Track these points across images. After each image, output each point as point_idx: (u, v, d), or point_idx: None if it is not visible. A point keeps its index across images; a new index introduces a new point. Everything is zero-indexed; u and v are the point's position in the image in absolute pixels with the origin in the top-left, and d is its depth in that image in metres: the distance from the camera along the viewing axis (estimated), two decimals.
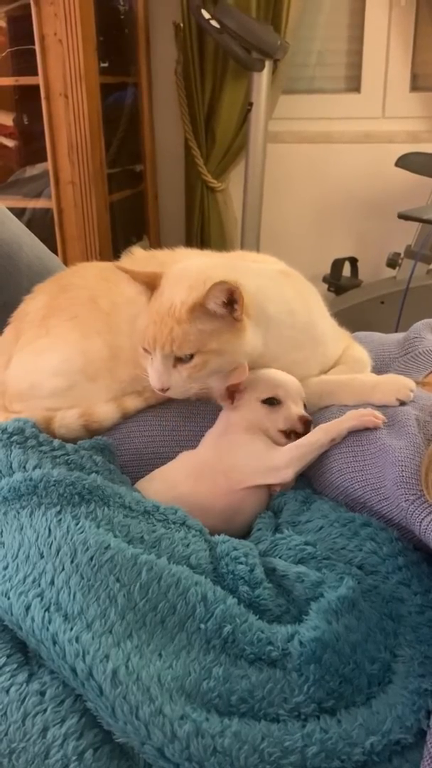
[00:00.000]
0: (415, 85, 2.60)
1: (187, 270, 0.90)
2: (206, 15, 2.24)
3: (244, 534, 0.87)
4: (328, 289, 2.55)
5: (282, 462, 0.88)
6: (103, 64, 2.29)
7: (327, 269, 2.56)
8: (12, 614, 0.66)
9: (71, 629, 0.64)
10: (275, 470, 0.89)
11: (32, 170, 2.44)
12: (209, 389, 0.92)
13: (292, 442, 0.90)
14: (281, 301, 0.93)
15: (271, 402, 0.92)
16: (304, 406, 0.94)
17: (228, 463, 0.90)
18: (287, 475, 0.88)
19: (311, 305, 1.00)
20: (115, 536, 0.74)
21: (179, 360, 0.86)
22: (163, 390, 0.88)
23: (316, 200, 2.74)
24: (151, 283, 0.90)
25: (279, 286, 0.95)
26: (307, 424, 0.91)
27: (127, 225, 2.70)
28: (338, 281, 2.55)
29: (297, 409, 0.92)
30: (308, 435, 0.89)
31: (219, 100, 2.51)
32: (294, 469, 0.88)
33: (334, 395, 0.96)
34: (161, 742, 0.58)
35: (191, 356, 0.85)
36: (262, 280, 0.94)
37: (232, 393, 0.93)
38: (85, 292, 1.04)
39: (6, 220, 1.30)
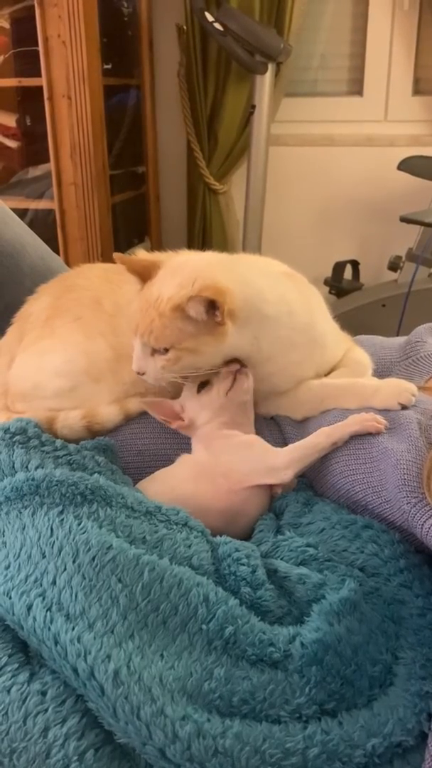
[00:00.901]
0: (418, 89, 2.60)
1: (184, 265, 0.91)
2: (209, 17, 2.25)
3: (246, 536, 0.87)
4: (330, 292, 2.56)
5: (282, 463, 0.88)
6: (106, 66, 2.30)
7: (328, 272, 2.56)
8: (14, 614, 0.66)
9: (73, 629, 0.64)
10: (275, 471, 0.89)
11: (35, 171, 2.45)
12: (186, 380, 0.94)
13: (293, 444, 0.90)
14: (280, 301, 0.93)
15: (202, 387, 0.95)
16: None
17: (226, 465, 0.90)
18: (287, 475, 0.88)
19: (313, 307, 0.99)
20: (118, 536, 0.74)
21: (155, 350, 0.88)
22: (140, 374, 0.91)
23: (317, 203, 2.74)
24: (145, 274, 0.91)
25: (279, 286, 0.95)
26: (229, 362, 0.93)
27: (129, 227, 2.70)
28: (339, 284, 2.55)
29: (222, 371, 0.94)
30: (310, 437, 0.90)
31: (221, 103, 2.51)
32: (294, 470, 0.88)
33: (336, 399, 0.96)
34: (162, 743, 0.57)
35: (167, 349, 0.87)
36: (261, 280, 0.94)
37: (177, 415, 0.95)
38: (89, 293, 1.04)
39: (9, 221, 1.30)
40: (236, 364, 0.94)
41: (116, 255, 0.92)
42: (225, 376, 0.94)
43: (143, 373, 0.91)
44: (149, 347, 0.88)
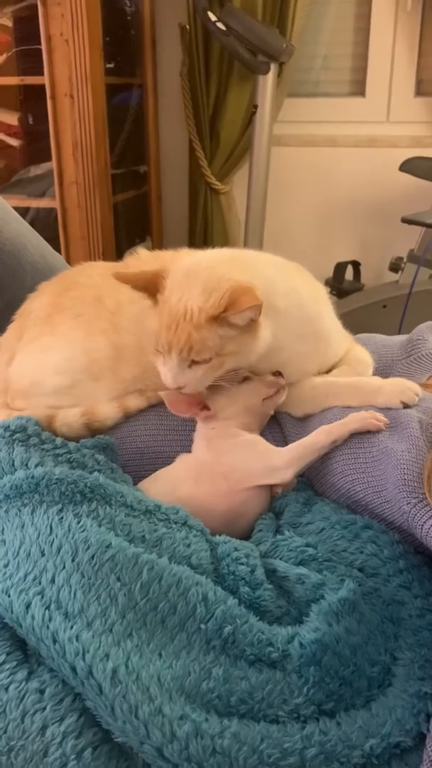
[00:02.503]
0: (420, 90, 2.60)
1: (196, 268, 0.87)
2: (212, 17, 2.25)
3: (246, 536, 0.87)
4: (331, 293, 2.53)
5: (282, 462, 0.88)
6: (108, 65, 2.30)
7: (330, 273, 2.56)
8: (12, 612, 0.66)
9: (71, 628, 0.64)
10: (275, 470, 0.88)
11: (36, 170, 2.44)
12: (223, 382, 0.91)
13: (293, 443, 0.90)
14: (291, 292, 0.92)
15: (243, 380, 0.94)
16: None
17: (227, 464, 0.90)
18: (287, 475, 0.88)
19: (320, 301, 1.00)
20: (117, 535, 0.74)
21: (195, 361, 0.85)
22: (179, 388, 0.87)
23: (319, 204, 2.74)
24: (150, 287, 0.87)
25: (289, 279, 0.95)
26: (277, 373, 0.94)
27: (130, 226, 2.70)
28: (341, 285, 2.55)
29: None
30: (309, 436, 0.89)
31: (224, 103, 2.51)
32: (294, 470, 0.88)
33: (339, 396, 0.96)
34: (160, 742, 0.57)
35: (209, 359, 0.85)
36: (274, 272, 0.93)
37: (201, 403, 0.94)
38: (90, 291, 1.04)
39: (10, 219, 1.30)
40: (282, 377, 0.95)
41: (115, 274, 0.88)
42: (270, 385, 0.94)
43: (182, 387, 0.87)
44: (187, 361, 0.85)
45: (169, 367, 0.85)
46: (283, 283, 0.93)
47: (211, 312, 0.82)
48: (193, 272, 0.86)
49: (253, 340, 0.86)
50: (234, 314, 0.82)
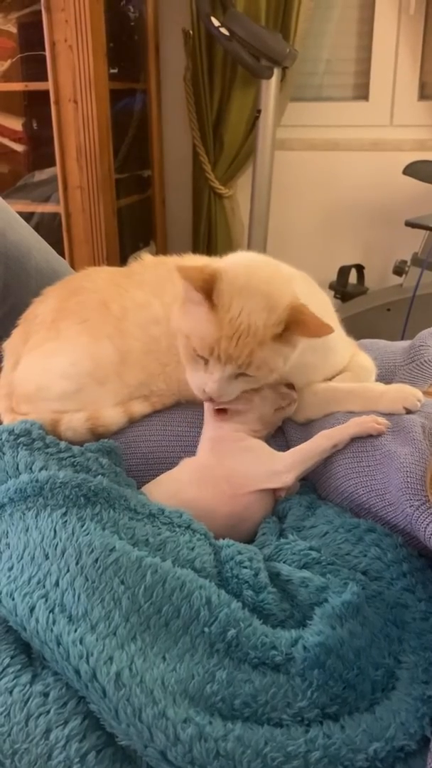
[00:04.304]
0: (424, 94, 2.60)
1: (252, 280, 0.86)
2: (215, 22, 2.25)
3: (250, 539, 0.87)
4: (335, 296, 2.56)
5: (283, 466, 0.89)
6: (112, 70, 2.31)
7: (333, 276, 2.56)
8: (16, 615, 0.66)
9: (75, 631, 0.64)
10: (276, 474, 0.89)
11: (41, 175, 2.45)
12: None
13: (294, 447, 0.90)
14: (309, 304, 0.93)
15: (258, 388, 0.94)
16: None
17: (229, 468, 0.90)
18: (288, 479, 0.88)
19: (327, 310, 1.00)
20: (120, 538, 0.74)
21: (242, 374, 0.86)
22: (218, 398, 0.87)
23: (323, 207, 2.74)
24: (207, 288, 0.84)
25: (304, 290, 0.95)
26: (289, 385, 0.96)
27: (134, 230, 2.71)
28: (344, 288, 2.55)
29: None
30: (310, 440, 0.90)
31: (227, 107, 2.52)
32: (295, 474, 0.89)
33: (341, 402, 0.96)
34: (164, 745, 0.57)
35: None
36: (298, 285, 0.94)
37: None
38: (96, 296, 1.04)
39: (15, 224, 1.30)
40: (294, 390, 0.96)
41: (179, 267, 0.85)
42: (283, 396, 0.95)
43: (218, 397, 0.87)
44: (236, 373, 0.85)
45: (216, 377, 0.85)
46: (303, 297, 0.93)
47: (277, 330, 0.83)
48: (250, 284, 0.85)
49: (293, 353, 0.88)
50: (300, 333, 0.84)
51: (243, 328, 0.83)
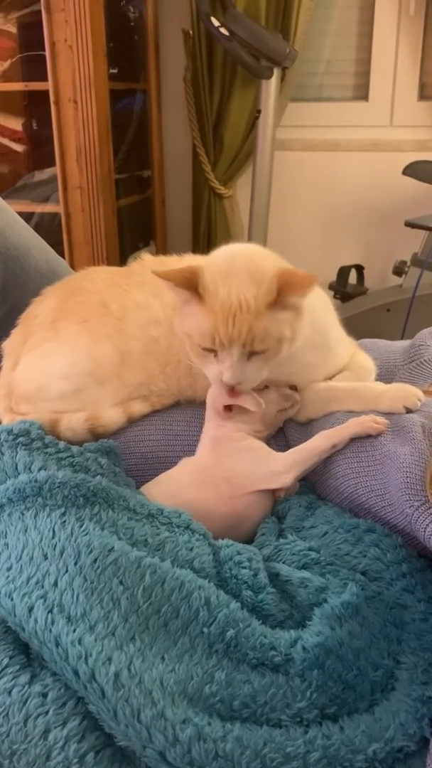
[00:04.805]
0: (423, 94, 2.60)
1: (234, 262, 0.87)
2: (215, 22, 2.25)
3: (249, 539, 0.87)
4: (334, 296, 2.55)
5: (282, 467, 0.89)
6: (112, 70, 2.31)
7: (333, 276, 2.56)
8: (15, 615, 0.66)
9: (74, 631, 0.64)
10: (275, 475, 0.89)
11: (40, 175, 2.45)
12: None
13: (293, 448, 0.90)
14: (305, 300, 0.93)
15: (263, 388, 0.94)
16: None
17: (229, 469, 0.90)
18: (287, 479, 0.88)
19: (328, 310, 1.01)
20: (119, 539, 0.74)
21: (253, 352, 0.85)
22: (237, 384, 0.86)
23: (323, 208, 2.74)
24: (193, 286, 0.85)
25: None
26: (292, 387, 0.96)
27: (134, 230, 2.70)
28: (344, 288, 2.54)
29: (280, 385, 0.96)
30: (309, 441, 0.90)
31: (227, 107, 2.52)
32: (294, 474, 0.88)
33: (342, 401, 0.96)
34: (163, 746, 0.57)
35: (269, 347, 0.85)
36: None
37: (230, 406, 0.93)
38: (95, 296, 1.04)
39: (15, 224, 1.30)
40: (297, 393, 0.96)
41: (156, 272, 0.86)
42: (287, 398, 0.95)
43: (237, 384, 0.86)
44: (247, 353, 0.84)
45: (228, 364, 0.84)
46: None
47: (269, 298, 0.82)
48: (232, 267, 0.86)
49: (301, 321, 0.87)
50: (292, 294, 0.82)
51: (235, 307, 0.82)
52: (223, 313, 0.83)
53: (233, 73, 2.46)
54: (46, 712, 0.61)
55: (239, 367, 0.84)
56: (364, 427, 0.87)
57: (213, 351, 0.85)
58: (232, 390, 0.87)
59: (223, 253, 0.91)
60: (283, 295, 0.82)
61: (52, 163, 2.29)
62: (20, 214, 1.37)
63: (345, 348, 1.04)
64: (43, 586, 0.68)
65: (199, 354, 0.87)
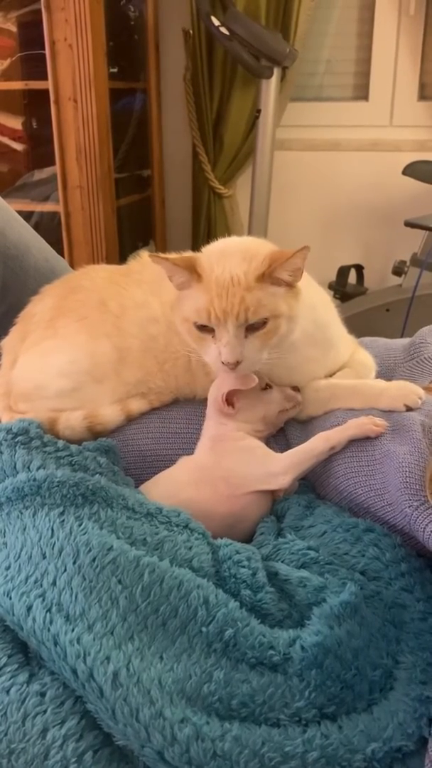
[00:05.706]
0: (423, 94, 2.61)
1: (229, 247, 0.90)
2: (216, 22, 2.25)
3: (248, 539, 0.87)
4: (334, 296, 2.55)
5: (280, 468, 0.89)
6: (112, 70, 2.31)
7: (333, 276, 2.56)
8: (14, 614, 0.66)
9: (72, 630, 0.64)
10: (273, 476, 0.89)
11: (40, 174, 2.45)
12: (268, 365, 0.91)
13: (292, 449, 0.90)
14: (305, 297, 0.92)
15: (265, 387, 0.95)
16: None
17: (227, 469, 0.90)
18: (285, 480, 0.88)
19: (328, 306, 1.01)
20: (118, 538, 0.74)
21: (250, 330, 0.84)
22: (236, 363, 0.85)
23: (322, 207, 2.74)
24: (191, 267, 0.87)
25: (306, 284, 0.95)
26: (294, 388, 0.96)
27: (134, 229, 2.70)
28: (344, 288, 2.55)
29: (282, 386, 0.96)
30: (308, 442, 0.90)
31: (227, 107, 2.52)
32: (292, 475, 0.88)
33: (342, 399, 0.96)
34: (161, 745, 0.57)
35: (264, 323, 0.84)
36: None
37: (231, 400, 0.93)
38: (94, 294, 1.04)
39: (14, 223, 1.30)
40: (299, 393, 0.96)
41: (153, 256, 0.88)
42: (289, 398, 0.95)
43: (239, 362, 0.85)
44: (243, 328, 0.84)
45: (226, 340, 0.84)
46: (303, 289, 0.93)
47: (258, 271, 0.83)
48: (227, 250, 0.88)
49: (297, 303, 0.87)
50: (281, 266, 0.83)
51: (227, 282, 0.83)
52: (217, 288, 0.84)
53: (233, 72, 2.46)
54: (45, 711, 0.61)
55: (237, 343, 0.84)
56: (363, 429, 0.87)
57: (210, 332, 0.85)
58: (235, 366, 0.86)
59: (220, 241, 0.94)
60: (273, 269, 0.83)
61: (52, 162, 2.29)
62: (20, 213, 1.37)
63: (346, 345, 1.04)
64: (41, 585, 0.68)
65: (198, 338, 0.87)
